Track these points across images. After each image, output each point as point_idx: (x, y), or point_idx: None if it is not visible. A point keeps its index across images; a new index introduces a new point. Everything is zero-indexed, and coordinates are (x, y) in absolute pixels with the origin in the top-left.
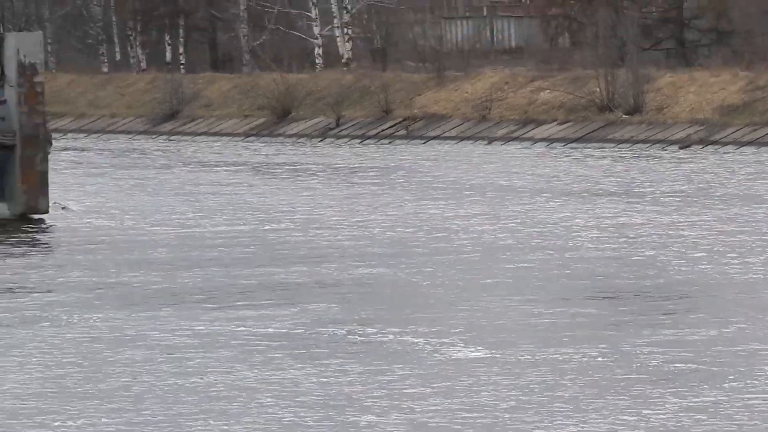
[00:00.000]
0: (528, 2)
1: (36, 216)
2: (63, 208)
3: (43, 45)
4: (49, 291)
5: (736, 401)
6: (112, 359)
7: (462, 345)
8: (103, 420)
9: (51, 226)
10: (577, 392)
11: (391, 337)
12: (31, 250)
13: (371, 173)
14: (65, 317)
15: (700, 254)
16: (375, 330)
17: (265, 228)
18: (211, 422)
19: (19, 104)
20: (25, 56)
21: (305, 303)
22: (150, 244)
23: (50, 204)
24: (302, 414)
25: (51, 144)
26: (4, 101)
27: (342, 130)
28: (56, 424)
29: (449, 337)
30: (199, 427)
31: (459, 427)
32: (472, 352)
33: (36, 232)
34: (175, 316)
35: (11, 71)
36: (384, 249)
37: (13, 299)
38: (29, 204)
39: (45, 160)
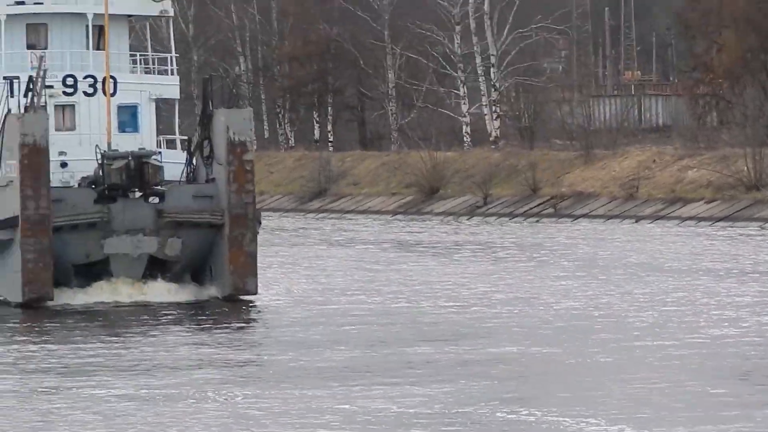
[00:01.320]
0: (676, 81)
1: (245, 297)
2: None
3: (252, 122)
4: (197, 368)
5: None
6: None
7: (609, 423)
8: None
9: (256, 306)
10: None
11: (538, 415)
12: (233, 331)
13: (517, 251)
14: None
15: None
16: (521, 408)
17: (421, 306)
18: None
19: (228, 182)
20: (234, 133)
21: (452, 381)
22: (329, 322)
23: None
24: None
25: (260, 224)
26: (213, 179)
27: (489, 208)
28: None
29: (597, 416)
30: None
31: None
32: (622, 430)
33: (243, 313)
34: (322, 392)
35: (220, 149)
36: (528, 327)
37: (205, 372)
38: (237, 285)
39: (254, 241)
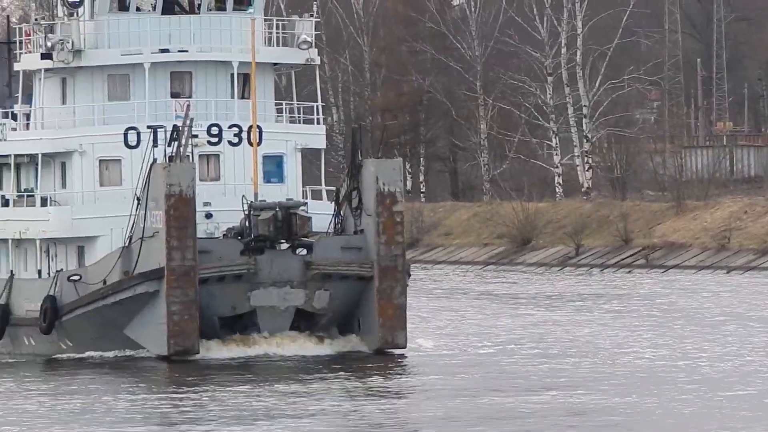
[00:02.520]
0: (767, 132)
1: (394, 351)
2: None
3: (403, 172)
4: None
5: None
6: None
7: None
8: None
9: (403, 365)
10: None
11: None
12: (382, 382)
13: (610, 302)
14: None
15: None
16: None
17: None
18: None
19: (377, 234)
20: (384, 184)
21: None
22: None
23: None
24: None
25: (410, 275)
26: (362, 231)
27: (581, 258)
28: None
29: None
30: None
31: None
32: None
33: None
34: None
35: (369, 200)
36: (627, 377)
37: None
38: (386, 339)
39: (403, 293)
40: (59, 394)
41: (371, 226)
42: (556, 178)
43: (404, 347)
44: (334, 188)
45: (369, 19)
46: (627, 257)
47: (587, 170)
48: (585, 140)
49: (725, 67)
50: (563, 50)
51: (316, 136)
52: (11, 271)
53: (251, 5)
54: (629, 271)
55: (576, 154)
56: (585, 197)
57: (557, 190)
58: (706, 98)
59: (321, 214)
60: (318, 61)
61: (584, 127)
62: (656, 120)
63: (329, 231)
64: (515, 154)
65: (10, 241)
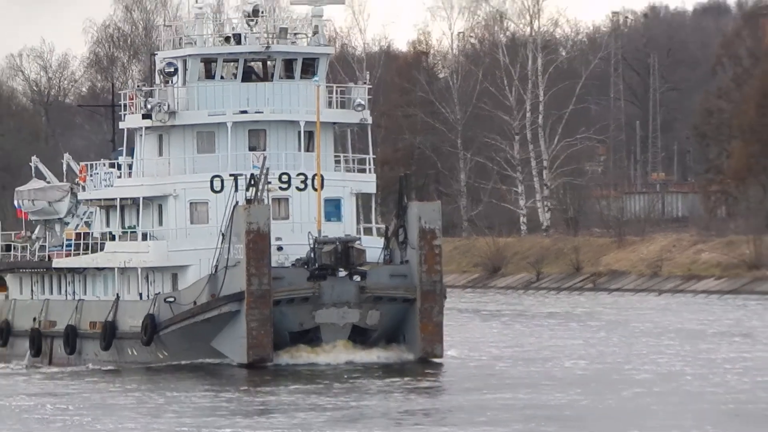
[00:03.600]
0: (692, 181)
1: (432, 359)
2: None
3: (441, 213)
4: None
5: None
6: None
7: None
8: None
9: (441, 370)
10: None
11: None
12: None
13: (567, 318)
14: None
15: None
16: None
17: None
18: None
19: (419, 264)
20: (425, 222)
21: None
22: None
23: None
24: None
25: (446, 298)
26: (407, 261)
27: (542, 283)
28: None
29: None
30: None
31: None
32: None
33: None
34: None
35: (413, 235)
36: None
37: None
38: (427, 350)
39: (440, 313)
40: (156, 393)
41: (414, 258)
42: (521, 218)
43: (441, 357)
44: (382, 225)
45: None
46: (578, 282)
47: (546, 212)
48: (545, 187)
49: (659, 128)
50: (528, 114)
51: (368, 182)
52: (117, 294)
53: (315, 74)
54: (580, 294)
55: (538, 198)
56: (544, 233)
57: (522, 227)
58: (643, 153)
59: (372, 247)
60: (370, 121)
61: (544, 176)
62: (603, 171)
63: (380, 261)
64: (488, 199)
65: (116, 270)
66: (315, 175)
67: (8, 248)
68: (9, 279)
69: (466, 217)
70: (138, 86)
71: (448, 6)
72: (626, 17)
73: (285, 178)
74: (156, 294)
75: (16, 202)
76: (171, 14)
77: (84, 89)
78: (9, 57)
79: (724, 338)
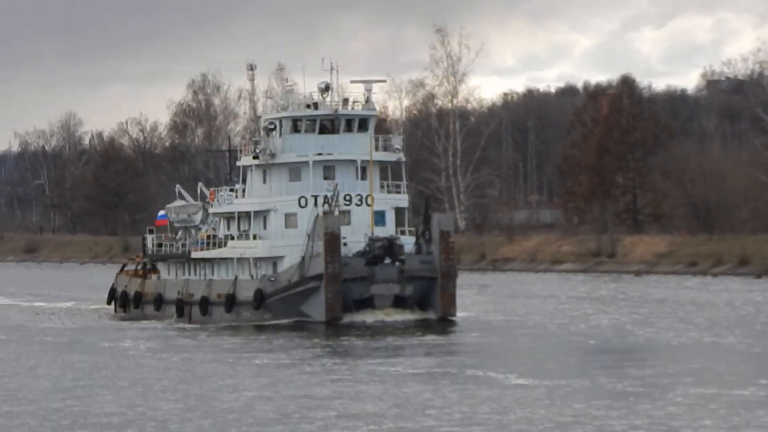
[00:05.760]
0: (556, 200)
1: (449, 318)
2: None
3: (455, 221)
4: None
5: None
6: None
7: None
8: None
9: (456, 324)
10: None
11: None
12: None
13: (479, 290)
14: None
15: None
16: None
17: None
18: None
19: (439, 254)
20: (443, 226)
21: None
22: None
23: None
24: None
25: (457, 276)
26: (431, 252)
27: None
28: None
29: None
30: None
31: None
32: None
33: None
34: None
35: (435, 235)
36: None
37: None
38: (445, 311)
39: (454, 287)
40: (263, 339)
41: (436, 250)
42: None
43: (455, 316)
44: (413, 228)
45: None
46: (483, 265)
47: (462, 220)
48: (461, 205)
49: (534, 167)
50: (450, 159)
51: (402, 200)
52: (236, 275)
53: (367, 129)
54: (484, 273)
55: (457, 212)
56: (462, 234)
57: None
58: (524, 183)
59: (408, 243)
60: (404, 159)
61: (461, 198)
62: (498, 194)
63: (413, 252)
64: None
65: (235, 259)
66: (368, 195)
67: (160, 245)
68: (160, 265)
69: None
70: (250, 138)
71: (399, 90)
72: (513, 95)
73: (348, 197)
74: (263, 275)
75: (162, 214)
76: (222, 96)
77: (167, 144)
78: (119, 123)
79: (581, 301)
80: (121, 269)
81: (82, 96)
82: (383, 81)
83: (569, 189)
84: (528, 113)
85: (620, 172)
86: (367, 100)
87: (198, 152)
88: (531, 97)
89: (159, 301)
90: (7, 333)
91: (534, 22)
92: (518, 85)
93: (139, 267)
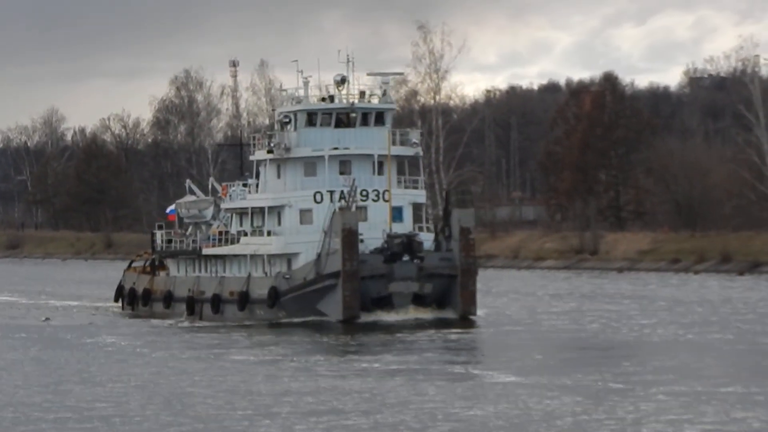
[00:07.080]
0: (539, 197)
1: (469, 317)
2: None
3: (474, 217)
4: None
5: None
6: None
7: None
8: None
9: (477, 322)
10: None
11: None
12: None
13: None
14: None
15: None
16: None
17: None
18: None
19: (459, 251)
20: (463, 223)
21: None
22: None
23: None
24: None
25: (477, 273)
26: (451, 249)
27: None
28: None
29: None
30: None
31: None
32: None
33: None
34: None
35: (455, 231)
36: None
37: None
38: (465, 310)
39: (475, 284)
40: (278, 339)
41: (456, 247)
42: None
43: (475, 315)
44: (432, 225)
45: None
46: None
47: None
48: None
49: (517, 164)
50: (433, 155)
51: (421, 195)
52: (249, 273)
53: (384, 123)
54: None
55: (440, 208)
56: None
57: None
58: (507, 179)
59: (427, 240)
60: (422, 154)
61: (443, 194)
62: (482, 191)
63: (432, 249)
64: None
65: (248, 256)
66: (385, 190)
67: (170, 241)
68: (169, 262)
69: None
70: (264, 132)
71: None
72: (496, 92)
73: (364, 193)
74: (277, 272)
75: (171, 209)
76: (205, 92)
77: (149, 140)
78: (101, 120)
79: (560, 298)
80: (129, 266)
81: (64, 92)
82: (401, 74)
83: (552, 186)
84: (510, 110)
85: (603, 168)
86: (384, 93)
87: (180, 148)
88: (513, 93)
89: (169, 299)
90: (28, 333)
91: (515, 18)
92: (500, 81)
93: (148, 263)
